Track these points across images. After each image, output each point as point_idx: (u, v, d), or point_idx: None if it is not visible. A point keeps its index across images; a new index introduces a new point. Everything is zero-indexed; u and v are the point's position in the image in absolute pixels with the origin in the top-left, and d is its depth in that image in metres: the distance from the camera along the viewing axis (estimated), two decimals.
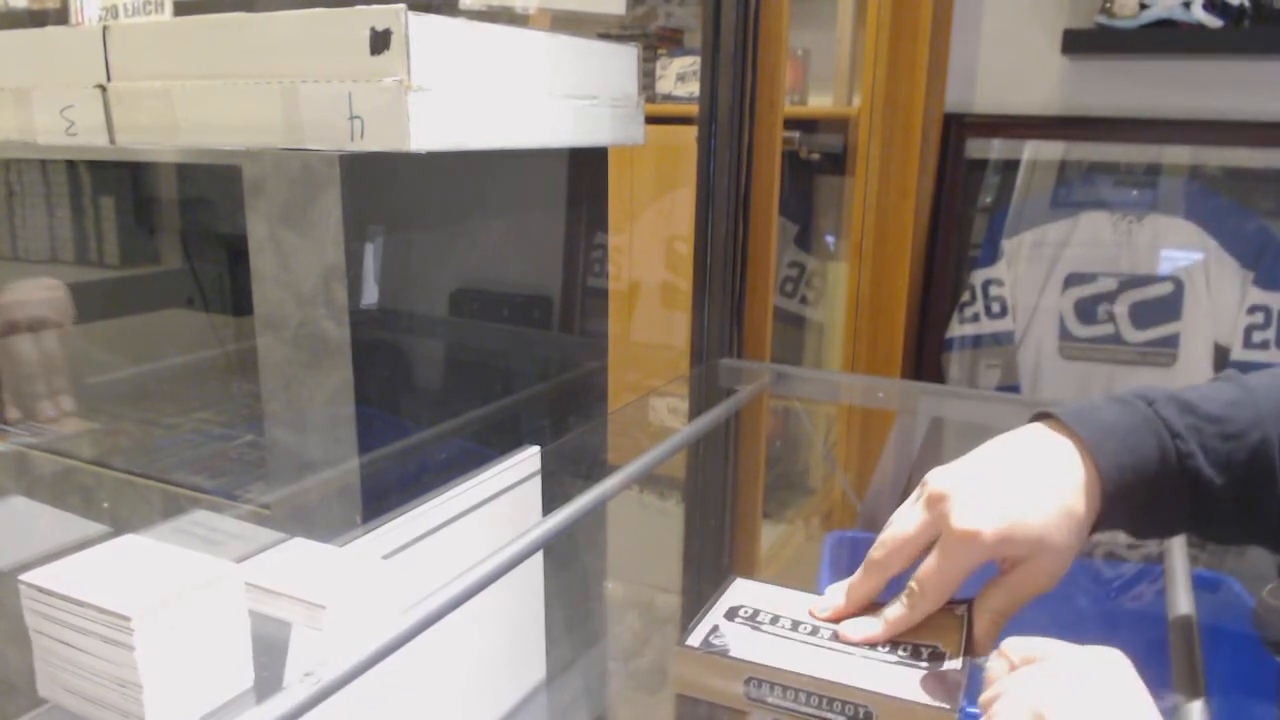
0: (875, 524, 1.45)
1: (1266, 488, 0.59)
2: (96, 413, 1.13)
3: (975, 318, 1.89)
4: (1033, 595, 0.60)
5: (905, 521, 0.62)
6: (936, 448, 1.91)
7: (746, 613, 0.64)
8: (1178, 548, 0.80)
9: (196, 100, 0.76)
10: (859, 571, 0.64)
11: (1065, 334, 1.85)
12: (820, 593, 0.65)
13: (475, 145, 0.76)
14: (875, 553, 0.63)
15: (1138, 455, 0.60)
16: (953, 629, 0.61)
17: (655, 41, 2.11)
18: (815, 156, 2.05)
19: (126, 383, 1.15)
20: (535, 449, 0.92)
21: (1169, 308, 1.77)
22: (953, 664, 0.58)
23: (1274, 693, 0.46)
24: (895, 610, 0.61)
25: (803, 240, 2.12)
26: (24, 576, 0.54)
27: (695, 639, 0.60)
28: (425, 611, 0.63)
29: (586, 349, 1.12)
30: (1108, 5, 1.69)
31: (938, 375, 1.94)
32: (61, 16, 0.87)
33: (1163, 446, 0.60)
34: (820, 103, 2.03)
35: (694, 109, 1.34)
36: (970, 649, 0.60)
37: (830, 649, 0.60)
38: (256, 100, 0.73)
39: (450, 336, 0.91)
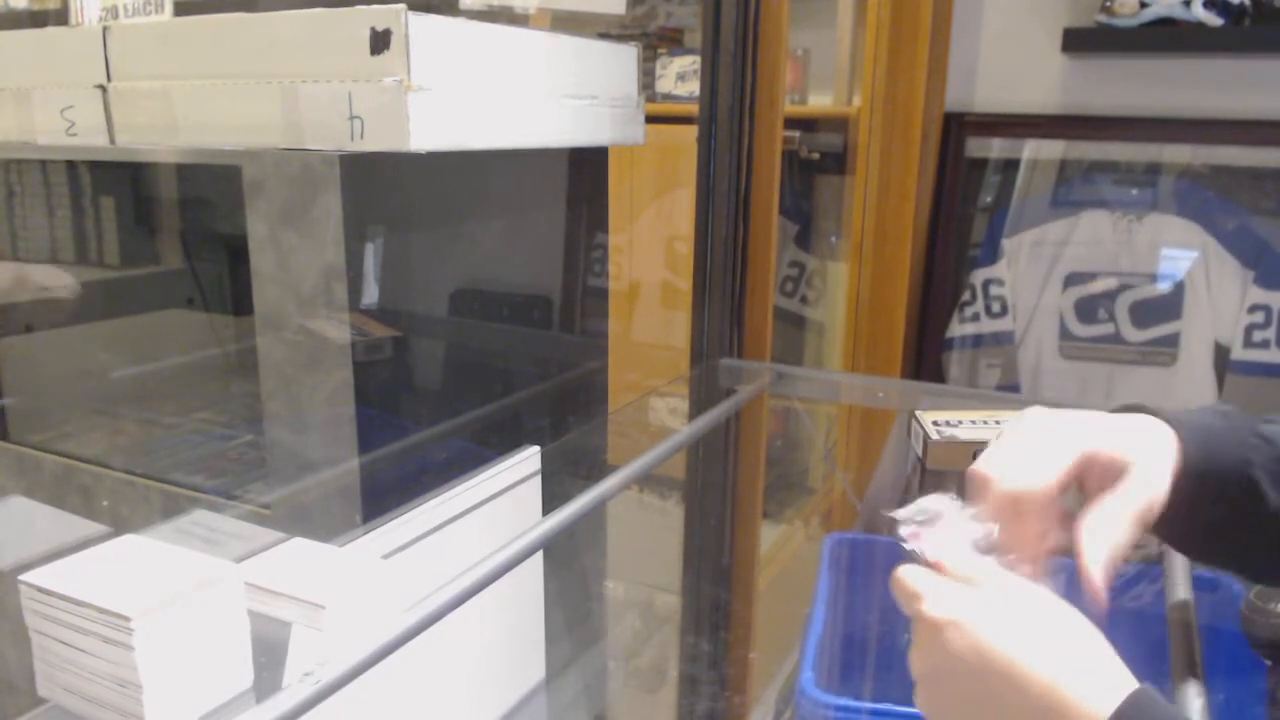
0: (875, 525, 1.45)
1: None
2: (97, 413, 1.13)
3: (975, 317, 1.89)
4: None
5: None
6: None
7: None
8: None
9: (196, 100, 0.76)
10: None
11: (1065, 333, 1.85)
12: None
13: (475, 145, 0.76)
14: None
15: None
16: None
17: (655, 41, 2.11)
18: (815, 156, 2.04)
19: (127, 383, 1.15)
20: (535, 449, 0.92)
21: (1169, 307, 1.77)
22: None
23: (1265, 692, 0.46)
24: None
25: (803, 240, 2.11)
26: (24, 576, 0.54)
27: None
28: (425, 611, 0.63)
29: (586, 349, 1.12)
30: (1108, 4, 1.69)
31: (938, 375, 1.93)
32: (61, 16, 0.87)
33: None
34: (820, 102, 2.02)
35: (694, 109, 1.33)
36: None
37: None
38: (256, 100, 0.73)
39: (450, 336, 0.91)
